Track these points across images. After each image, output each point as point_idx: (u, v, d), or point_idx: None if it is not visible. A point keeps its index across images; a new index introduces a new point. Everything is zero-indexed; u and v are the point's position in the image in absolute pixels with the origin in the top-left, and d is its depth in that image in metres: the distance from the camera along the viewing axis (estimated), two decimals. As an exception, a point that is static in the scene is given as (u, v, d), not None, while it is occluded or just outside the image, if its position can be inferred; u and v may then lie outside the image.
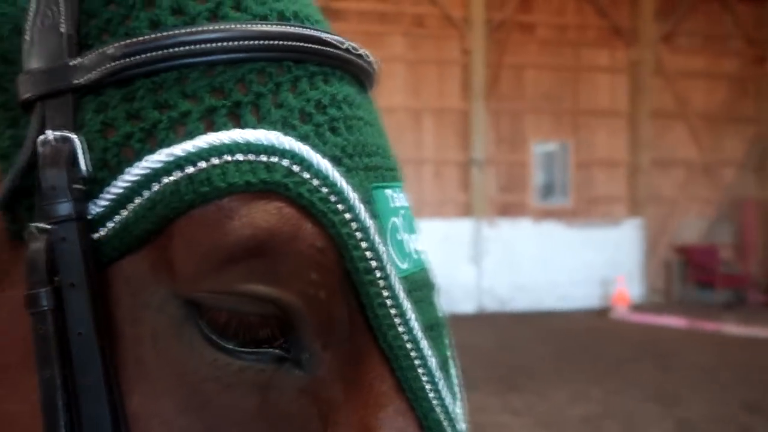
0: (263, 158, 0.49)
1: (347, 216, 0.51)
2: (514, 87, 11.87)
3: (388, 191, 0.59)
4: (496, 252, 11.19)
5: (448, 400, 0.59)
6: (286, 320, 0.51)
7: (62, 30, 0.52)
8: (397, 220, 0.58)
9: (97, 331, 0.48)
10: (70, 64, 0.51)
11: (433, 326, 0.61)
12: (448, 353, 0.63)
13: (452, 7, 11.50)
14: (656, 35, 12.50)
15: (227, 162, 0.48)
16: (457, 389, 0.63)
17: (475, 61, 11.48)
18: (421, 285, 0.60)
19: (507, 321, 10.50)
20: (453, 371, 0.63)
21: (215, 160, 0.48)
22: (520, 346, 8.97)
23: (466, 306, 10.89)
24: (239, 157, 0.49)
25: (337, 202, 0.51)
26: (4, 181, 0.51)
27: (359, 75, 0.60)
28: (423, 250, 0.64)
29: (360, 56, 0.59)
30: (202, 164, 0.48)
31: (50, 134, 0.50)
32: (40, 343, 0.48)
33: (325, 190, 0.51)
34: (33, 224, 0.49)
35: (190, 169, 0.48)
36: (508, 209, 11.73)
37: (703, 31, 13.05)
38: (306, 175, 0.50)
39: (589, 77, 12.26)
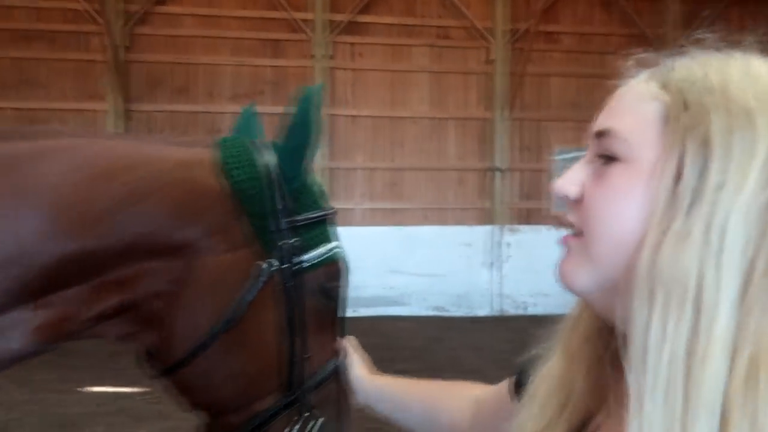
0: (339, 250, 1.44)
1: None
2: (537, 96, 12.02)
3: None
4: (517, 258, 11.37)
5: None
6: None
7: (279, 206, 1.35)
8: None
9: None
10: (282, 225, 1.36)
11: None
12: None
13: (478, 18, 11.74)
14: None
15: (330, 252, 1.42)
16: None
17: (498, 72, 11.70)
18: None
19: (527, 324, 10.64)
20: None
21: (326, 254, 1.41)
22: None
23: (484, 310, 11.15)
24: (332, 253, 1.42)
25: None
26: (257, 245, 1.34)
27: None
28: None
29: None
30: (321, 257, 1.39)
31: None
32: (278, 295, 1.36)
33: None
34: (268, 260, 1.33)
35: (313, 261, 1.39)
36: (530, 216, 11.87)
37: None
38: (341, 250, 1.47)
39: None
